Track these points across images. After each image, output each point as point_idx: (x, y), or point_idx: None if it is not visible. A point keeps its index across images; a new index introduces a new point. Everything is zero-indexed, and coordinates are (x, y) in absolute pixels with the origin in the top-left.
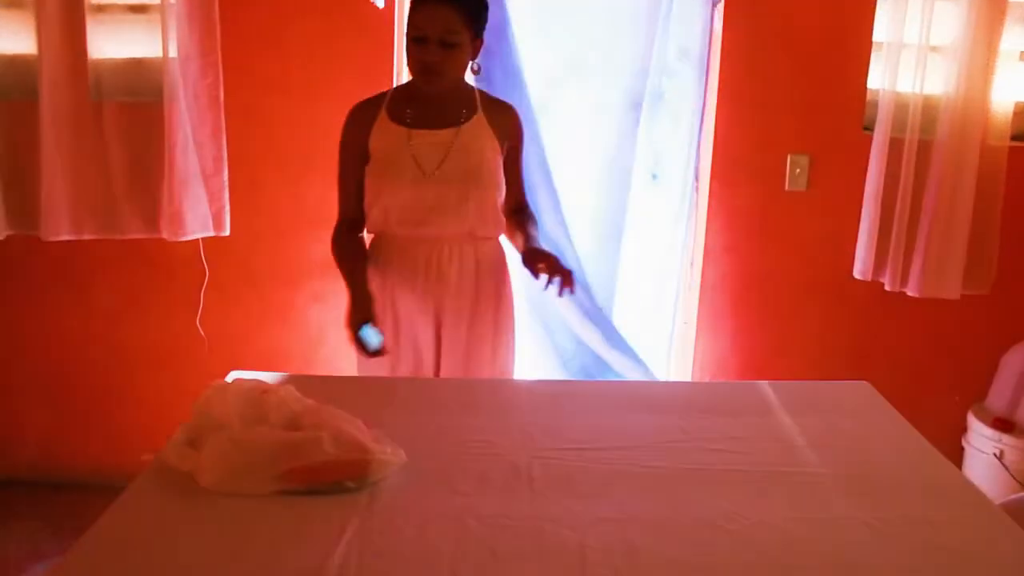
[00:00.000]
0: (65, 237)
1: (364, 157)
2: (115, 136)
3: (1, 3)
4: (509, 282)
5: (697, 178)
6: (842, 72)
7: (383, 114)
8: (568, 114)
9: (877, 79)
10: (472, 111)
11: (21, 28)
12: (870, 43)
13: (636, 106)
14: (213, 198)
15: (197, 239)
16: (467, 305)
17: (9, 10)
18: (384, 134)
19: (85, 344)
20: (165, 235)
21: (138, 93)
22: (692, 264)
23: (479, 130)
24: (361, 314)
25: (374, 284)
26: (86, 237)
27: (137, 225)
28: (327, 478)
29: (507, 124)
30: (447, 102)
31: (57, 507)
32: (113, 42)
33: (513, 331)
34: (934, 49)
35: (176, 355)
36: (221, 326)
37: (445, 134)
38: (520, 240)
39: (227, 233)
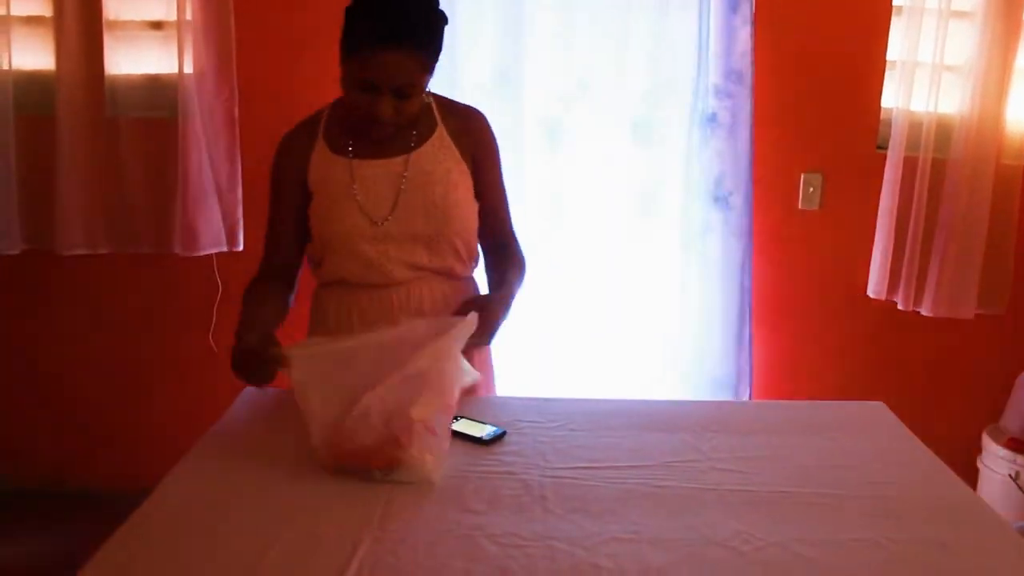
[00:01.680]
0: (80, 251)
1: (304, 195)
2: (130, 151)
3: (20, 19)
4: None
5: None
6: (856, 91)
7: (320, 142)
8: (578, 135)
9: (891, 98)
10: (430, 127)
11: (39, 44)
12: (884, 62)
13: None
14: (227, 214)
15: (211, 254)
16: None
17: (28, 26)
18: (323, 167)
19: (98, 358)
20: (179, 250)
21: (154, 109)
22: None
23: (439, 151)
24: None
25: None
26: (100, 252)
27: (151, 240)
28: (359, 462)
29: (473, 134)
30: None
31: (69, 520)
32: (130, 58)
33: (492, 375)
34: (949, 68)
35: (189, 370)
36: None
37: (394, 164)
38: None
39: (241, 248)
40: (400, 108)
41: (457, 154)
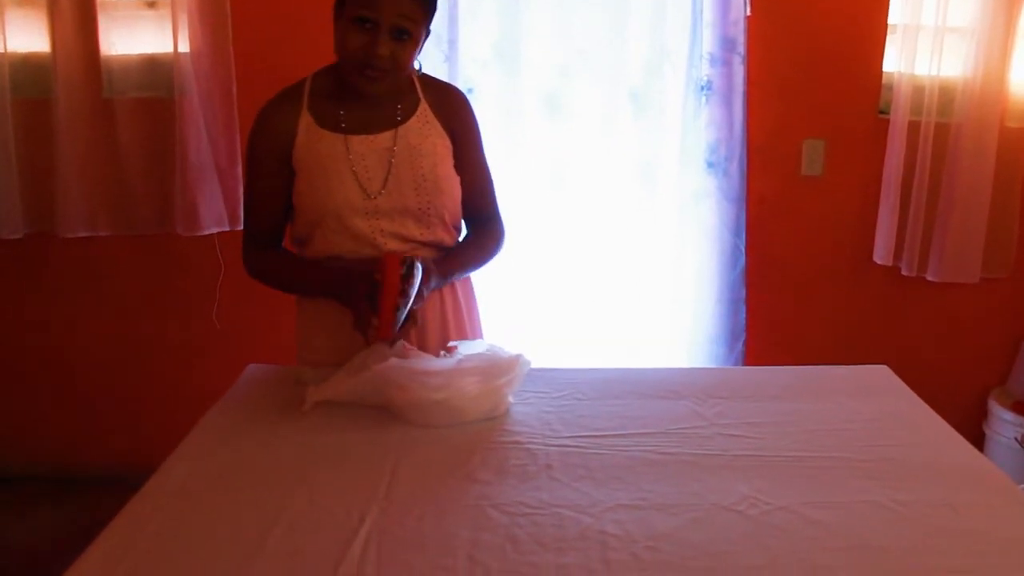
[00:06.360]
0: (81, 234)
1: (287, 172)
2: (129, 132)
3: (15, 2)
4: (475, 299)
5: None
6: (857, 56)
7: (306, 116)
8: (579, 109)
9: (893, 62)
10: (413, 103)
11: (34, 26)
12: (885, 26)
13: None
14: (228, 192)
15: (212, 233)
16: (435, 329)
17: (22, 8)
18: (313, 144)
19: (102, 339)
20: (180, 230)
21: (151, 89)
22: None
23: (424, 126)
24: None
25: (317, 325)
26: (102, 233)
27: (152, 221)
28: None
29: (453, 111)
30: (384, 94)
31: (75, 503)
32: (126, 38)
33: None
34: (951, 31)
35: (192, 349)
36: (237, 320)
37: (382, 139)
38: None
39: (242, 227)
40: (396, 53)
41: (440, 128)
